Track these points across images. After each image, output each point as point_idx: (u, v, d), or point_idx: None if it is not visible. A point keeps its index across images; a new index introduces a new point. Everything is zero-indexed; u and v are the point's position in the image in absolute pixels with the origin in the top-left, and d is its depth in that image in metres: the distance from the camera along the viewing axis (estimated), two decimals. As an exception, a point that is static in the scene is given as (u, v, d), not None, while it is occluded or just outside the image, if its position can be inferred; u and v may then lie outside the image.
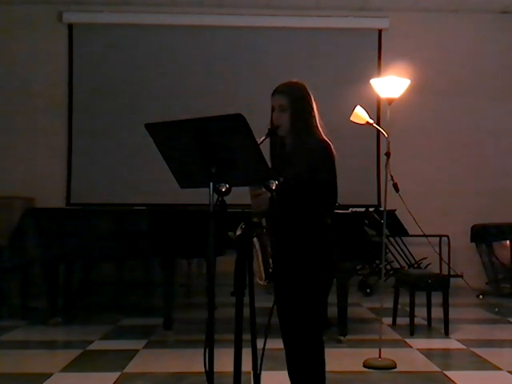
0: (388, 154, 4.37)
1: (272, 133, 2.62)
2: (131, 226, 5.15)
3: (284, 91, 2.66)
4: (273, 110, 2.68)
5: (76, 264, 6.15)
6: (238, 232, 2.33)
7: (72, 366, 4.15)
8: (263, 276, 2.47)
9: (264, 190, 2.34)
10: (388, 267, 7.30)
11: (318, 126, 2.67)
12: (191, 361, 4.13)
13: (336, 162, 2.62)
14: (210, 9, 7.74)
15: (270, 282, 2.52)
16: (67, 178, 7.69)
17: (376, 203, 7.57)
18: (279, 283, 2.62)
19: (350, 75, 7.59)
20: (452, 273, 7.03)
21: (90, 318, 5.82)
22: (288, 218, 2.57)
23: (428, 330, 5.30)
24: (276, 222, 2.52)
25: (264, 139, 2.51)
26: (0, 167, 7.52)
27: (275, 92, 2.69)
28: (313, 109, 2.68)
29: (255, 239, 2.40)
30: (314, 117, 2.67)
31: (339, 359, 4.24)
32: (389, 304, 5.40)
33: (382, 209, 5.83)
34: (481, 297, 7.10)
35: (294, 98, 2.64)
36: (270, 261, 2.46)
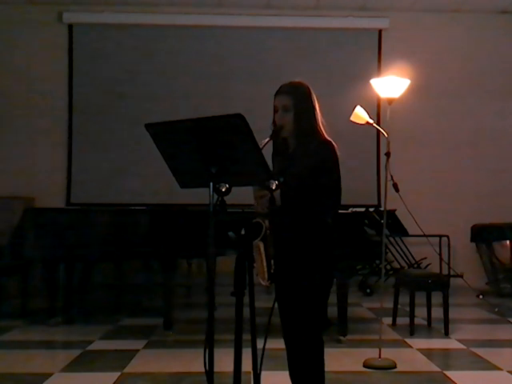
0: (388, 154, 4.37)
1: (275, 134, 2.61)
2: (131, 226, 5.15)
3: (288, 91, 2.64)
4: (276, 111, 2.67)
5: (76, 264, 6.14)
6: (243, 232, 2.34)
7: (72, 366, 4.15)
8: (266, 277, 2.47)
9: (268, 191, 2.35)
10: (388, 267, 7.30)
11: (321, 126, 2.67)
12: (191, 361, 4.13)
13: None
14: (210, 9, 7.74)
15: (273, 282, 2.52)
16: (67, 177, 7.69)
17: (376, 203, 7.57)
18: (281, 283, 2.62)
19: (350, 75, 7.59)
20: (452, 273, 7.03)
21: (90, 318, 5.82)
22: (291, 218, 2.57)
23: (428, 330, 5.30)
24: (278, 222, 2.52)
25: (268, 141, 2.51)
26: (0, 167, 7.52)
27: (278, 92, 2.67)
28: (316, 109, 2.67)
29: (260, 242, 2.40)
30: (317, 117, 2.67)
31: (339, 359, 4.24)
32: (389, 304, 5.40)
33: (382, 209, 5.83)
34: (481, 297, 7.10)
35: (298, 99, 2.63)
36: (272, 262, 2.46)
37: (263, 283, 2.48)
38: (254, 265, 2.44)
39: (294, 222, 2.57)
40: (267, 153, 2.41)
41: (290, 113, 2.62)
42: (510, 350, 4.79)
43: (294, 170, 2.57)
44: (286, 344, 2.70)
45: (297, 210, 2.56)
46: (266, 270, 2.45)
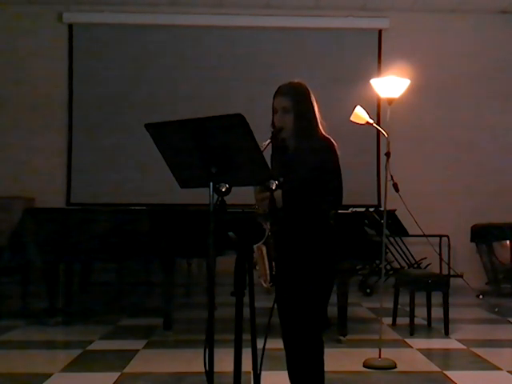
0: (388, 154, 4.37)
1: (275, 135, 2.60)
2: (131, 226, 5.15)
3: (287, 93, 2.63)
4: (275, 112, 2.66)
5: (76, 264, 6.14)
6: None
7: (72, 366, 4.15)
8: (268, 279, 2.47)
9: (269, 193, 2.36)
10: (388, 267, 7.29)
11: (320, 125, 2.67)
12: (191, 361, 4.13)
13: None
14: (210, 9, 7.74)
15: (275, 285, 2.52)
16: (67, 177, 7.69)
17: (376, 203, 7.57)
18: (281, 283, 2.62)
19: (350, 75, 7.59)
20: (452, 273, 7.02)
21: (90, 318, 5.81)
22: (292, 219, 2.56)
23: (428, 330, 5.30)
24: (280, 223, 2.51)
25: (269, 143, 2.50)
26: (0, 167, 7.52)
27: (277, 93, 2.66)
28: (315, 109, 2.67)
29: (262, 245, 2.41)
30: (317, 117, 2.67)
31: (339, 359, 4.24)
32: (389, 304, 5.40)
33: (382, 209, 5.83)
34: (481, 297, 7.10)
35: (298, 100, 2.62)
36: (273, 263, 2.46)
37: (265, 285, 2.48)
38: (256, 267, 2.44)
39: (296, 222, 2.57)
40: (266, 153, 2.41)
41: (289, 114, 2.62)
42: (509, 349, 4.79)
43: (294, 170, 2.57)
44: (284, 344, 2.70)
45: (298, 211, 2.55)
46: (268, 272, 2.45)
